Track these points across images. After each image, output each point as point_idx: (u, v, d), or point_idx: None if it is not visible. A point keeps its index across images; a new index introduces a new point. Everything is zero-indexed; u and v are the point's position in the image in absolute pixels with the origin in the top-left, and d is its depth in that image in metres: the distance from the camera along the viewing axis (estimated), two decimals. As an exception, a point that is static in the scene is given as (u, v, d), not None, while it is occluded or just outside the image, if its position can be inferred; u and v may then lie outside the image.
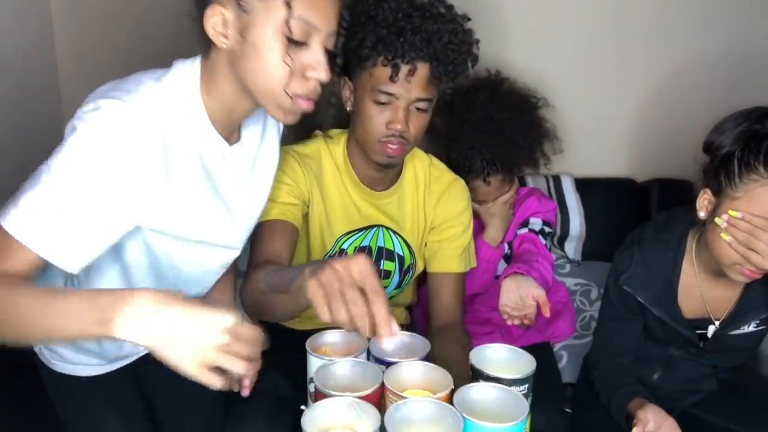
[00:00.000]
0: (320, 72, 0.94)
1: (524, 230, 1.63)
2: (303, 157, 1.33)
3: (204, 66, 0.98)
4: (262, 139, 1.15)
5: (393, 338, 0.84)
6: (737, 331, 1.33)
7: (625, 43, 1.87)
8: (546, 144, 1.70)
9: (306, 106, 0.97)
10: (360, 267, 0.82)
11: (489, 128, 1.56)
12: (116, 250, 1.01)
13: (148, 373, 1.28)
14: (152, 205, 0.96)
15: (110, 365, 1.23)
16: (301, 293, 0.86)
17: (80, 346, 1.18)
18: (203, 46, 0.98)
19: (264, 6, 0.90)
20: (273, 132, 1.19)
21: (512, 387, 0.92)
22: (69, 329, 0.81)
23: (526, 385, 0.94)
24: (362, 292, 0.82)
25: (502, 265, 1.65)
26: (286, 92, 0.94)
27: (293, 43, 0.92)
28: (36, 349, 1.21)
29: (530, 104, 1.69)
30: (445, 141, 1.66)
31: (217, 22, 0.92)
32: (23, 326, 0.83)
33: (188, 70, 0.98)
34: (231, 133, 1.05)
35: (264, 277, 1.08)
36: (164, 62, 1.00)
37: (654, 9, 1.84)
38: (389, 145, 1.25)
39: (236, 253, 1.18)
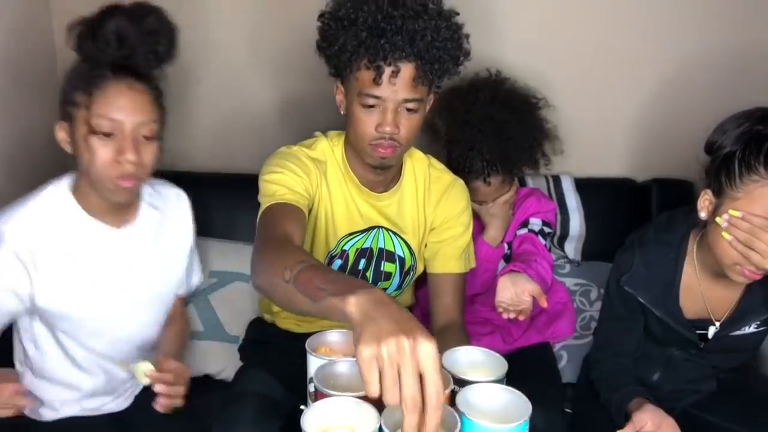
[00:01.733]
0: (127, 155, 1.13)
1: (524, 230, 1.63)
2: (313, 160, 1.32)
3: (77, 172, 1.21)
4: (165, 217, 1.33)
5: None
6: (738, 332, 1.33)
7: (626, 43, 1.86)
8: (546, 144, 1.70)
9: (127, 184, 1.15)
10: (429, 353, 0.72)
11: (489, 129, 1.55)
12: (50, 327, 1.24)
13: (134, 419, 1.35)
14: (36, 291, 1.17)
15: (89, 400, 1.32)
16: (332, 313, 0.80)
17: (52, 379, 1.28)
18: None
19: (76, 112, 1.14)
20: (176, 211, 1.36)
21: None
22: None
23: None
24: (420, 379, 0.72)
25: (502, 265, 1.64)
26: (108, 176, 1.14)
27: (101, 135, 1.12)
28: (27, 412, 1.24)
29: (530, 104, 1.69)
30: (445, 142, 1.66)
31: (63, 136, 1.18)
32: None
33: (59, 182, 1.22)
34: (119, 218, 1.25)
35: (288, 263, 0.93)
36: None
37: (654, 9, 1.83)
38: (380, 149, 1.24)
39: (169, 300, 1.37)
